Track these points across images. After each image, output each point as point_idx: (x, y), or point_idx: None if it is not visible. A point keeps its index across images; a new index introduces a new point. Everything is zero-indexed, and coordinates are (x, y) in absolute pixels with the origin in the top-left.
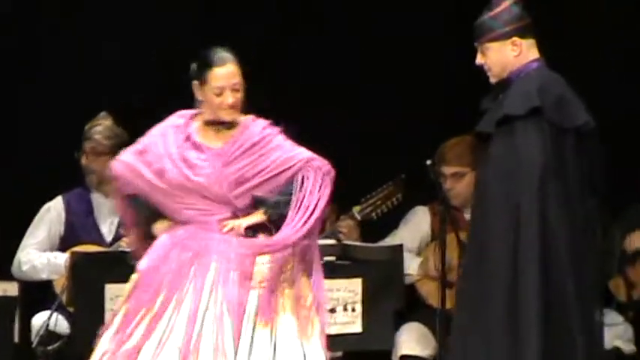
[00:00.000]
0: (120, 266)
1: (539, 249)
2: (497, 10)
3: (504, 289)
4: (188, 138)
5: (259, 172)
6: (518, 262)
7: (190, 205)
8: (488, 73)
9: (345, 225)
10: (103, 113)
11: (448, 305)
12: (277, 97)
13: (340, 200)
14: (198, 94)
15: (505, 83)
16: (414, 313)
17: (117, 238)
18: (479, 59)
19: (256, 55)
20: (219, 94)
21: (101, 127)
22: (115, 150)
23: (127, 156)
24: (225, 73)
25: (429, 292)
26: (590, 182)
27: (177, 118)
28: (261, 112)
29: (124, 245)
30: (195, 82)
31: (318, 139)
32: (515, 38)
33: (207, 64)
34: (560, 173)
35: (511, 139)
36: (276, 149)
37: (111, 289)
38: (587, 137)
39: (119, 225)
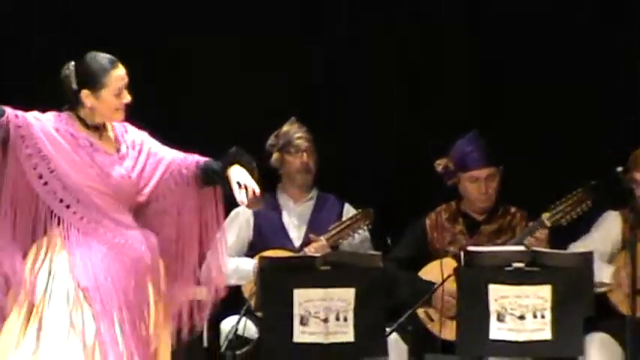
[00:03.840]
0: (308, 271)
1: None
2: None
3: None
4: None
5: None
6: None
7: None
8: None
9: (535, 232)
10: (294, 118)
11: (639, 314)
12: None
13: (530, 206)
14: (88, 102)
15: None
16: (601, 322)
17: (306, 243)
18: None
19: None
20: (117, 95)
21: (304, 128)
22: None
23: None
24: (123, 74)
25: (620, 300)
26: None
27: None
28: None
29: (313, 250)
30: (84, 91)
31: (511, 146)
32: None
33: (105, 68)
34: None
35: None
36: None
37: (299, 294)
38: None
39: (308, 230)
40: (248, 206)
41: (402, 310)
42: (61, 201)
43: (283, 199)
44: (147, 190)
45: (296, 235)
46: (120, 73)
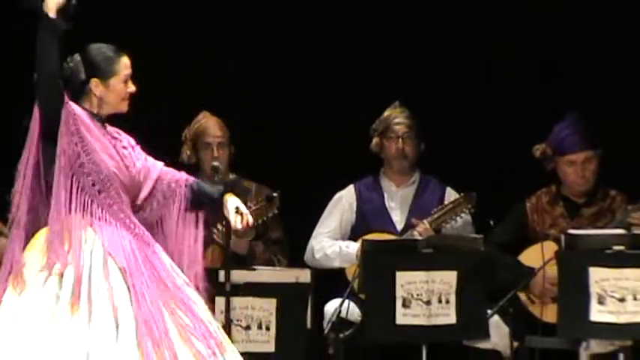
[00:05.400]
0: (411, 254)
1: None
2: None
3: None
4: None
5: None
6: None
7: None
8: None
9: (637, 215)
10: (397, 102)
11: None
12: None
13: (629, 189)
14: (97, 91)
15: None
16: None
17: (408, 226)
18: None
19: None
20: (126, 82)
21: (405, 113)
22: None
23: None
24: (128, 62)
25: None
26: None
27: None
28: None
29: (416, 234)
30: (94, 80)
31: (612, 129)
32: None
33: (113, 56)
34: None
35: None
36: None
37: (402, 277)
38: None
39: (410, 214)
40: (239, 235)
41: (503, 292)
42: (94, 185)
43: (385, 183)
44: (143, 194)
45: (398, 219)
46: (127, 61)
